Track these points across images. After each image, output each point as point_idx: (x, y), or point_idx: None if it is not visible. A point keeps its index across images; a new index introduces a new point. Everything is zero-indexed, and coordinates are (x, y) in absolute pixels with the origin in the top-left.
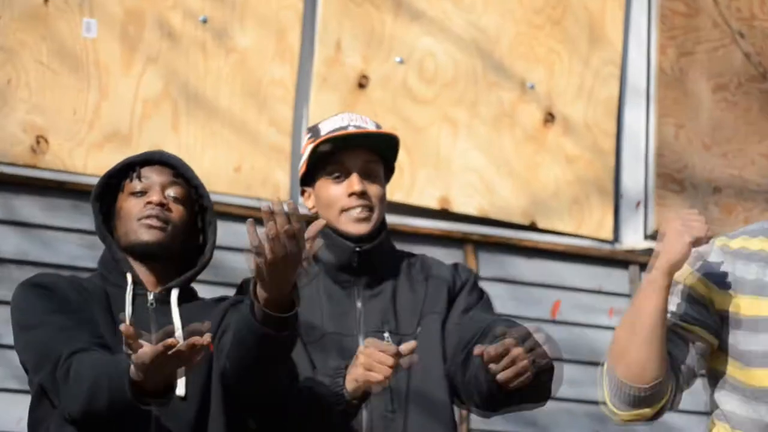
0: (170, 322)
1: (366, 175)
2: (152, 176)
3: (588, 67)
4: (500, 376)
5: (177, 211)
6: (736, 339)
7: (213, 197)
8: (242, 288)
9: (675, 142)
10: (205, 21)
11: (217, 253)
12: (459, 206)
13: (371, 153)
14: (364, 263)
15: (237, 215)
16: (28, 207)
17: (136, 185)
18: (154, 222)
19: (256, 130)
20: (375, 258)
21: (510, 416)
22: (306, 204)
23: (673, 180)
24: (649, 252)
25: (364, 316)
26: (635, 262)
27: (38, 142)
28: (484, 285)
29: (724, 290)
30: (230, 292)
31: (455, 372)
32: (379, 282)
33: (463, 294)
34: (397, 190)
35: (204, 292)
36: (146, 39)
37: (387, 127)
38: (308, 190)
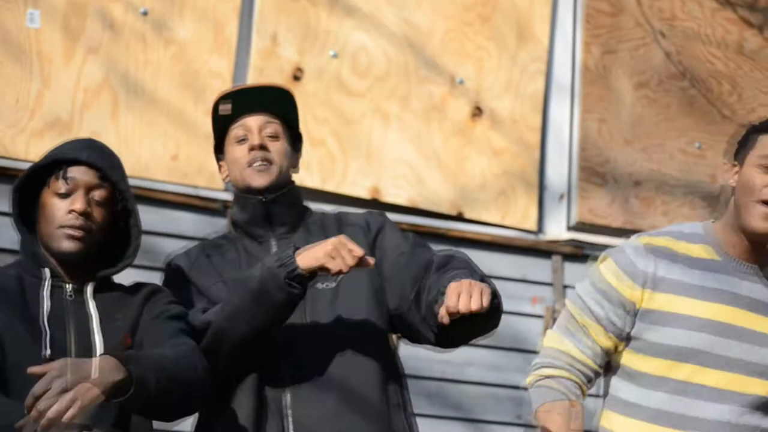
0: (87, 314)
1: (267, 134)
2: (78, 177)
3: (515, 63)
4: (456, 306)
5: (99, 215)
6: (645, 332)
7: (151, 184)
8: (169, 266)
9: (598, 137)
10: (145, 13)
11: (153, 239)
12: (389, 196)
13: (270, 115)
14: (272, 213)
15: (174, 202)
16: None
17: (61, 186)
18: (75, 233)
19: (193, 119)
20: (282, 208)
21: (435, 400)
22: (222, 176)
23: (595, 173)
24: (571, 242)
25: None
26: (558, 252)
27: None
28: None
29: (642, 286)
30: None
31: (409, 310)
32: (292, 232)
33: (384, 236)
34: (329, 180)
35: (139, 276)
36: (88, 30)
37: (321, 119)
38: (222, 162)
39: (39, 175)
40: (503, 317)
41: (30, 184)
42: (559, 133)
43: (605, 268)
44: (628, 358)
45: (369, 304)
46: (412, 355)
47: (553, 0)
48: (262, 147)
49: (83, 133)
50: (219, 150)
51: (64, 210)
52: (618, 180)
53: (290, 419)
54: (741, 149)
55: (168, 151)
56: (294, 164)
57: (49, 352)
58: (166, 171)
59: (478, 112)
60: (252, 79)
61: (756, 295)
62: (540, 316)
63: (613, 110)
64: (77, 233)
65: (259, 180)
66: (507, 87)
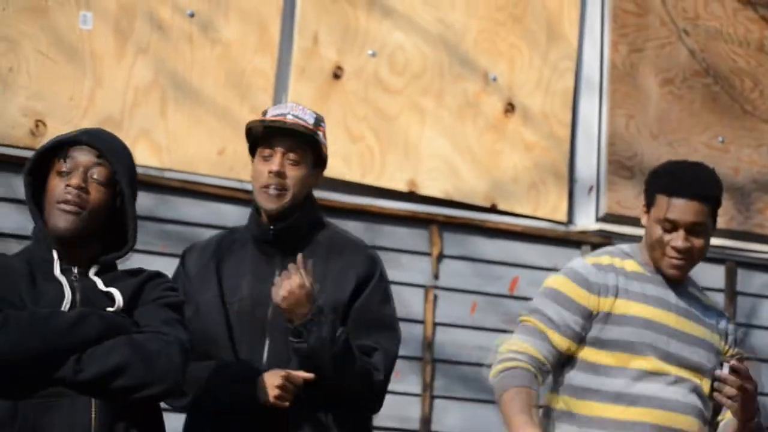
0: (95, 289)
1: (290, 158)
2: (78, 157)
3: (546, 61)
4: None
5: (96, 192)
6: (600, 330)
7: (197, 179)
8: (183, 257)
9: (625, 132)
10: (192, 15)
11: (199, 231)
12: (425, 189)
13: (299, 141)
14: (280, 239)
15: (219, 195)
16: None
17: (62, 165)
18: (68, 207)
19: (238, 116)
20: (290, 235)
21: (472, 384)
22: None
23: (623, 167)
24: (600, 233)
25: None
26: (587, 242)
27: (37, 126)
28: (448, 263)
29: (598, 295)
30: None
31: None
32: (298, 251)
33: (365, 293)
34: (368, 174)
35: None
36: (138, 31)
37: (360, 116)
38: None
39: (49, 161)
40: None
41: (42, 170)
42: (588, 128)
43: (561, 285)
44: (588, 353)
45: None
46: (449, 341)
47: (581, 1)
48: (280, 174)
49: (134, 130)
50: (252, 151)
51: (62, 187)
52: (645, 173)
53: None
54: (647, 197)
55: (214, 146)
56: (312, 184)
57: (68, 308)
58: (212, 166)
59: (510, 108)
60: (294, 77)
61: (682, 304)
62: None
63: (639, 106)
64: (71, 208)
65: (269, 205)
66: (538, 84)
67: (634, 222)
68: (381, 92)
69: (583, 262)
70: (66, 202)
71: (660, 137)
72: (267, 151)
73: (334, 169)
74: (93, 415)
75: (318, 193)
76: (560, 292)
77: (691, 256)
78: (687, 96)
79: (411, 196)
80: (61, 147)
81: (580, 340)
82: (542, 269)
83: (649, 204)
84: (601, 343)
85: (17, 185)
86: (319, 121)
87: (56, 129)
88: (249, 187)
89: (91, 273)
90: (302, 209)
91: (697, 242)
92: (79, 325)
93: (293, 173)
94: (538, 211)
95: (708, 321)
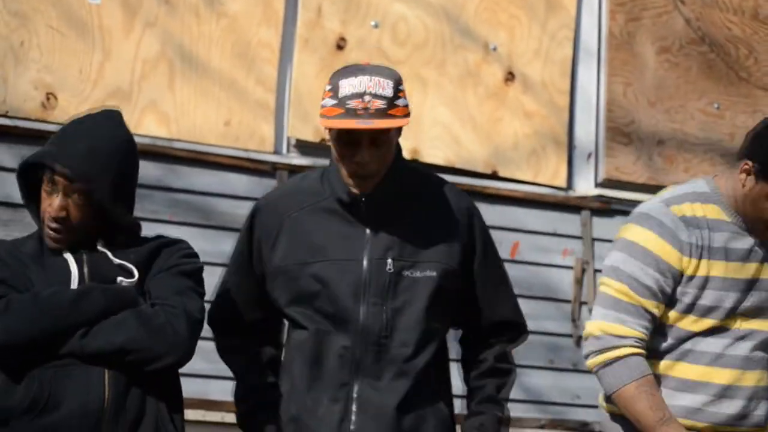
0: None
1: (374, 144)
2: (58, 180)
3: (545, 31)
4: None
5: (77, 212)
6: (681, 294)
7: (205, 149)
8: (254, 217)
9: (623, 99)
10: None
11: (206, 199)
12: (428, 156)
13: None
14: (369, 205)
15: (226, 164)
16: None
17: (47, 185)
18: (52, 232)
19: (244, 87)
20: (380, 201)
21: None
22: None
23: (621, 133)
24: (599, 198)
25: (371, 243)
26: (587, 207)
27: (48, 99)
28: None
29: (689, 257)
30: (221, 234)
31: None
32: (389, 213)
33: (476, 254)
34: None
35: (196, 235)
36: (145, 5)
37: None
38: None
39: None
40: (536, 269)
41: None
42: (586, 96)
43: (649, 242)
44: (673, 316)
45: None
46: None
47: None
48: (361, 165)
49: (142, 102)
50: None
51: (46, 207)
52: (642, 139)
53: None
54: (761, 167)
55: (221, 117)
56: (397, 139)
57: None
58: (219, 136)
59: (510, 77)
60: (298, 49)
61: (763, 249)
62: (570, 267)
63: (637, 74)
64: (54, 230)
65: (357, 189)
66: (537, 53)
67: (633, 187)
68: (384, 62)
69: (667, 211)
70: (50, 224)
71: (657, 104)
72: (345, 137)
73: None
74: (106, 384)
75: (322, 162)
76: (649, 251)
77: None
78: (683, 63)
79: (413, 163)
80: (46, 162)
81: (671, 302)
82: (543, 234)
83: (764, 175)
84: (683, 307)
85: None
86: (397, 85)
87: (67, 101)
88: (255, 156)
89: (99, 246)
90: (390, 173)
91: None
92: (81, 302)
93: (379, 153)
94: (538, 178)
95: None
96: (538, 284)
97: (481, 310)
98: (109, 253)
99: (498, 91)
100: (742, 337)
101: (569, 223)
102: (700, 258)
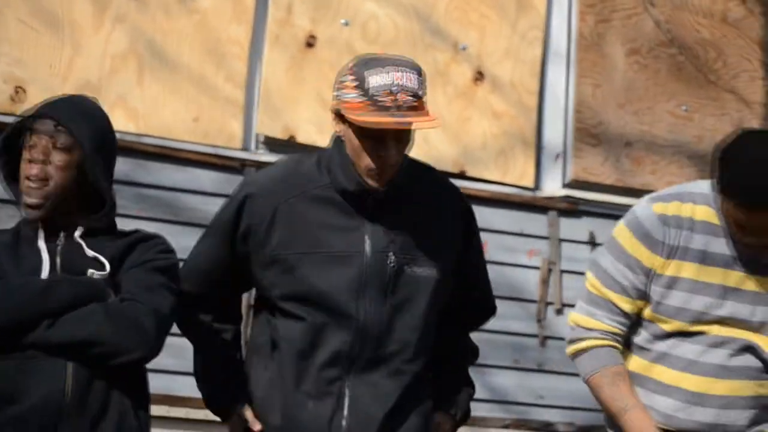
0: (79, 251)
1: (398, 138)
2: (39, 128)
3: (515, 31)
4: None
5: (60, 161)
6: (654, 292)
7: (174, 144)
8: (244, 203)
9: (592, 100)
10: None
11: (175, 195)
12: None
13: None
14: (375, 199)
15: (195, 161)
16: None
17: (28, 140)
18: (32, 184)
19: (213, 84)
20: (388, 195)
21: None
22: (334, 127)
23: (589, 134)
24: (566, 198)
25: (372, 235)
26: (554, 207)
27: (17, 92)
28: None
29: (661, 256)
30: (189, 230)
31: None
32: (390, 203)
33: (470, 246)
34: None
35: (164, 231)
36: (116, 0)
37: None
38: (338, 119)
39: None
40: (502, 268)
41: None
42: (555, 97)
43: (624, 239)
44: (649, 314)
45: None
46: None
47: None
48: (385, 160)
49: (111, 97)
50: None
51: (24, 172)
52: (610, 141)
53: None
54: (722, 182)
55: (190, 113)
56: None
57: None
58: (188, 132)
59: (479, 76)
60: (269, 46)
61: (751, 258)
62: (536, 268)
63: (606, 75)
64: (34, 184)
65: (376, 184)
66: (507, 53)
67: (601, 188)
68: None
69: (649, 210)
70: (29, 177)
71: (626, 106)
72: (367, 131)
73: (307, 135)
74: (69, 377)
75: None
76: (624, 249)
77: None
78: (652, 65)
79: None
80: (27, 121)
81: (647, 298)
82: (510, 234)
83: (722, 192)
84: (653, 305)
85: None
86: (422, 81)
87: (36, 95)
88: (223, 152)
89: (77, 235)
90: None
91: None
92: (49, 293)
93: (401, 148)
94: (506, 178)
95: None
96: (504, 284)
97: (459, 291)
98: (84, 245)
99: (467, 91)
100: (718, 345)
101: (536, 223)
102: (669, 257)
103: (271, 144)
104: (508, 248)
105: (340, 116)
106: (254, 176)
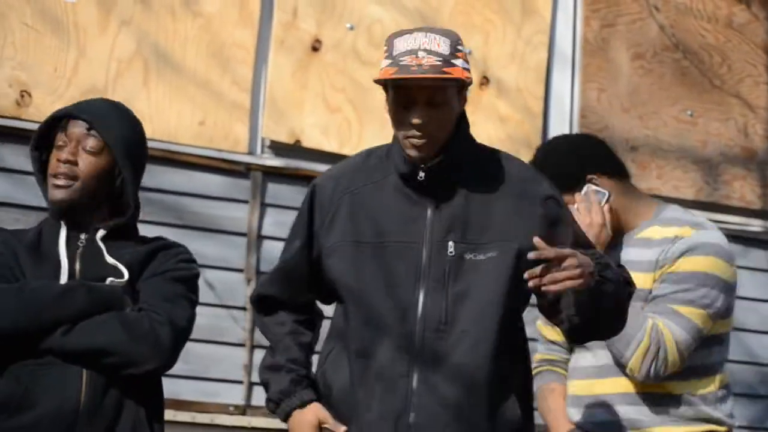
0: (99, 257)
1: (430, 104)
2: (71, 129)
3: (520, 36)
4: (543, 285)
5: (89, 163)
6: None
7: (179, 148)
8: (314, 193)
9: (597, 105)
10: None
11: (180, 199)
12: None
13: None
14: (431, 179)
15: (200, 165)
16: (12, 155)
17: (60, 138)
18: (60, 181)
19: (219, 88)
20: (442, 174)
21: None
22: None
23: None
24: None
25: (432, 225)
26: None
27: (22, 96)
28: None
29: None
30: (194, 235)
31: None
32: (453, 190)
33: (557, 233)
34: (346, 144)
35: (169, 235)
36: (121, 3)
37: (338, 88)
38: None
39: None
40: None
41: (49, 144)
42: (560, 102)
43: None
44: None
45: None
46: None
47: None
48: (417, 126)
49: (116, 100)
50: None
51: (55, 160)
52: (615, 145)
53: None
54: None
55: (195, 117)
56: (461, 107)
57: (66, 278)
58: (194, 136)
59: (485, 81)
60: (274, 50)
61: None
62: None
63: (611, 80)
64: (62, 181)
65: (412, 155)
66: (512, 58)
67: None
68: (359, 64)
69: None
70: (56, 175)
71: (631, 110)
72: (402, 98)
73: (312, 139)
74: (84, 383)
75: (296, 163)
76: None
77: None
78: (657, 70)
79: None
80: (60, 120)
81: None
82: None
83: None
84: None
85: (3, 154)
86: (455, 45)
87: (41, 99)
88: (229, 156)
89: (98, 237)
90: (454, 141)
91: None
92: (65, 298)
93: (436, 115)
94: None
95: None
96: None
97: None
98: (104, 250)
99: (472, 95)
100: (583, 348)
101: None
102: None
103: (277, 148)
104: None
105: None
106: (326, 170)
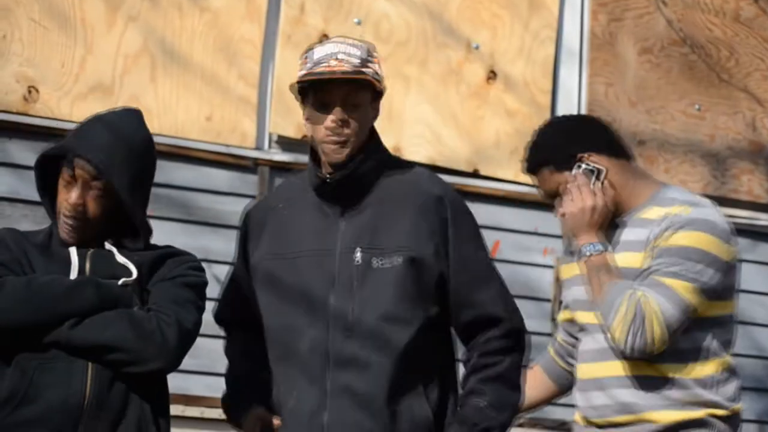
0: (109, 256)
1: (347, 104)
2: (78, 171)
3: (527, 30)
4: None
5: (95, 207)
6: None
7: (186, 143)
8: (245, 216)
9: (604, 99)
10: None
11: (188, 194)
12: (409, 154)
13: (353, 83)
14: (340, 189)
15: (208, 160)
16: (20, 150)
17: (67, 175)
18: (69, 222)
19: (226, 83)
20: (350, 183)
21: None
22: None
23: None
24: None
25: (343, 234)
26: None
27: (30, 92)
28: None
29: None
30: (202, 230)
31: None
32: (362, 200)
33: (450, 235)
34: None
35: (177, 230)
36: None
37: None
38: (303, 105)
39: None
40: (516, 267)
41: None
42: (568, 96)
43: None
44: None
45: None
46: None
47: None
48: (340, 125)
49: (124, 96)
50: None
51: (63, 200)
52: (623, 139)
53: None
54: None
55: (203, 112)
56: (373, 118)
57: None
58: (201, 131)
59: (492, 75)
60: (281, 45)
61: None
62: (550, 266)
63: (618, 74)
64: (70, 222)
65: (331, 159)
66: (519, 52)
67: None
68: None
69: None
70: (66, 216)
71: (638, 104)
72: (318, 104)
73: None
74: (89, 378)
75: (303, 158)
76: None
77: None
78: (665, 64)
79: None
80: (67, 153)
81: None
82: (524, 233)
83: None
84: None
85: (11, 149)
86: (369, 53)
87: (48, 95)
88: (236, 151)
89: (107, 245)
90: (365, 152)
91: None
92: (74, 293)
93: (353, 117)
94: (520, 176)
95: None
96: (519, 283)
97: (461, 303)
98: (114, 251)
99: (480, 90)
100: (585, 331)
101: (550, 222)
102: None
103: (284, 143)
104: (523, 247)
105: (302, 100)
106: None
